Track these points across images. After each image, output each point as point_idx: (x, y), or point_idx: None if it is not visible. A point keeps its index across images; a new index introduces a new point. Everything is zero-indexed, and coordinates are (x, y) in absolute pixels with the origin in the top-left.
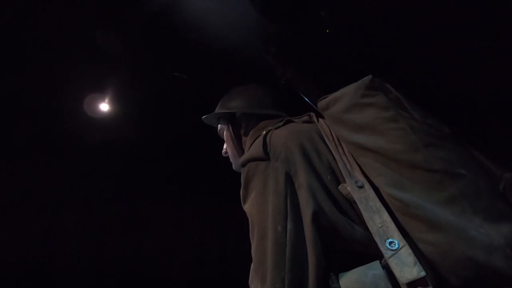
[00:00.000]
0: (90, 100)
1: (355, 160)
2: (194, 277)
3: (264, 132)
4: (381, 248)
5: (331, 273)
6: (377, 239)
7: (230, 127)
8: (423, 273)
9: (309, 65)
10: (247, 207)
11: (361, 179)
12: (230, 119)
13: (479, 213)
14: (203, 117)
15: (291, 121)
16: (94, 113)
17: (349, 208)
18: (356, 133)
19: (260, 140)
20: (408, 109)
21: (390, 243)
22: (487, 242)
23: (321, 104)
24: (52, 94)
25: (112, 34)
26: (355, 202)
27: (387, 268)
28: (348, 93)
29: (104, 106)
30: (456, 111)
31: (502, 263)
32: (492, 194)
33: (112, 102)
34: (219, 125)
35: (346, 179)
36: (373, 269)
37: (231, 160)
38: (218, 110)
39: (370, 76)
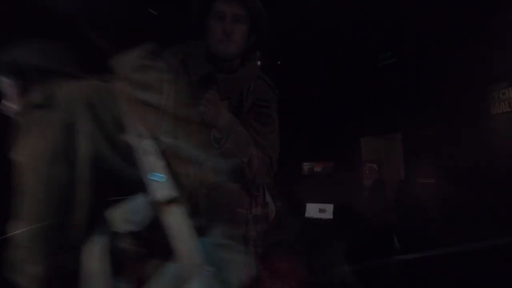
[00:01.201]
0: None
1: (139, 114)
2: None
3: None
4: (146, 180)
5: (105, 212)
6: (144, 174)
7: (16, 81)
8: (175, 194)
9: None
10: (17, 152)
11: (142, 129)
12: (17, 72)
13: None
14: None
15: (86, 79)
16: None
17: (129, 154)
18: (142, 91)
19: (44, 89)
20: (181, 74)
21: (154, 175)
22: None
23: (113, 63)
24: None
25: None
26: (134, 148)
27: (151, 195)
28: (134, 55)
29: None
30: None
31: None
32: None
33: None
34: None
35: (128, 130)
36: (140, 198)
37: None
38: (4, 58)
39: (152, 44)
